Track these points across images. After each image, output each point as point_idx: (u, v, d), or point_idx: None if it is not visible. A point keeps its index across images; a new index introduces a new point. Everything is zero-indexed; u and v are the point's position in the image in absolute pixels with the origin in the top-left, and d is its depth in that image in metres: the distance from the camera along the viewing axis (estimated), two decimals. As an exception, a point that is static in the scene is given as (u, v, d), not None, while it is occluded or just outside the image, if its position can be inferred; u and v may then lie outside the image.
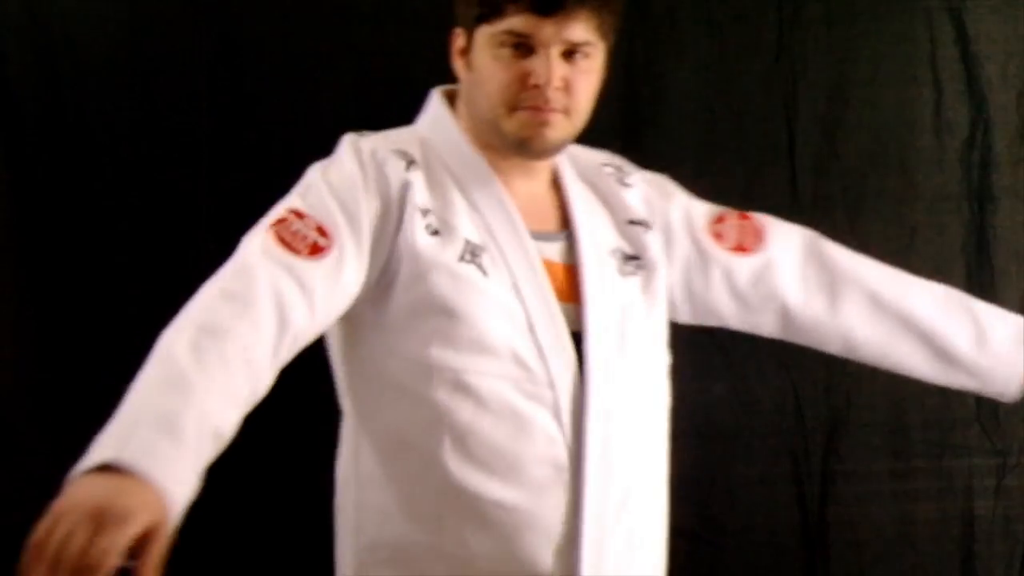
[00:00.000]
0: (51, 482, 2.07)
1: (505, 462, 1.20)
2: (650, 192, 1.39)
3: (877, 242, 2.08)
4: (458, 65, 1.29)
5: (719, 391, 2.08)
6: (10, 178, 1.95)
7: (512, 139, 1.26)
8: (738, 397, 2.08)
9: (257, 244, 1.15)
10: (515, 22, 1.23)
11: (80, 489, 0.94)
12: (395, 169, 1.23)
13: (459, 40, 1.29)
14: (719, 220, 1.41)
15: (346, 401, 1.29)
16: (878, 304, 1.44)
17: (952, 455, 2.09)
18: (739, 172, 2.08)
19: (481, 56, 1.25)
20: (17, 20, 1.96)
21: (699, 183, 1.46)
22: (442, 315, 1.20)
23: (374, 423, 1.25)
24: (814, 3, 2.08)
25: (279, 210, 1.19)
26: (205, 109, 1.92)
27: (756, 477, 2.08)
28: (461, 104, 1.31)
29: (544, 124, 1.26)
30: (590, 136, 2.10)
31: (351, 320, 1.23)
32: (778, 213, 2.05)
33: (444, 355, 1.20)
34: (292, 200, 1.20)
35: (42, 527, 0.89)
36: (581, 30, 1.23)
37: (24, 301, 1.96)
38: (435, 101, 1.34)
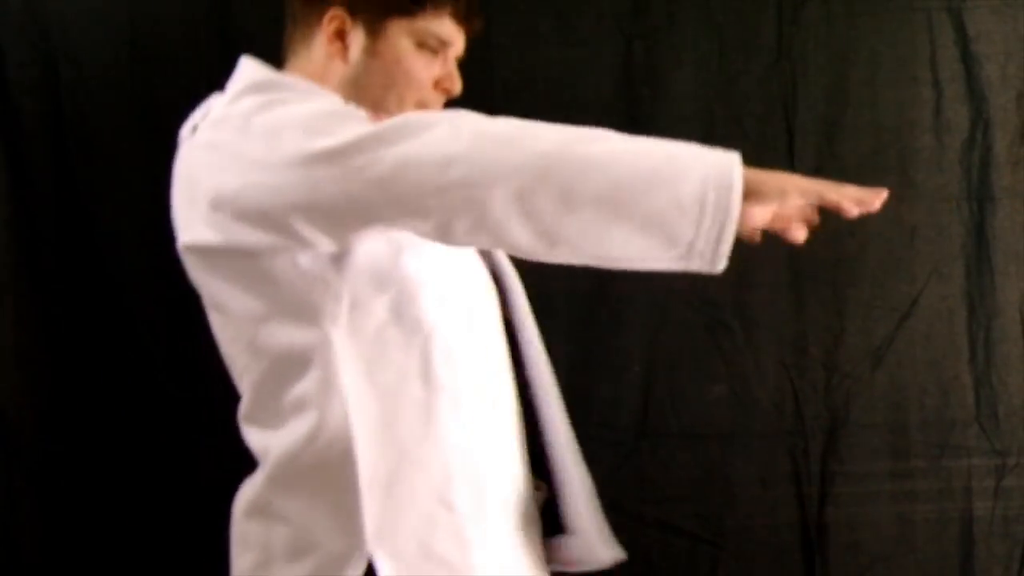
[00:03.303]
0: (51, 481, 2.08)
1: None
2: None
3: (877, 242, 2.08)
4: (336, 46, 1.26)
5: (719, 391, 2.09)
6: (10, 178, 1.95)
7: None
8: (738, 397, 2.08)
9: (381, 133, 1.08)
10: (444, 28, 1.27)
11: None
12: None
13: (340, 23, 1.26)
14: None
15: (364, 391, 1.21)
16: None
17: (951, 456, 2.09)
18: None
19: (395, 49, 1.26)
20: (17, 20, 1.96)
21: (698, 184, 1.45)
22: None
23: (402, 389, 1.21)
24: (814, 3, 2.08)
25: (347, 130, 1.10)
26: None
27: (756, 477, 2.08)
28: (332, 83, 1.27)
29: None
30: (590, 136, 2.12)
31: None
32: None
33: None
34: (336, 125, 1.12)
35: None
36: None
37: (24, 301, 1.96)
38: (265, 71, 1.28)
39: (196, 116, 1.27)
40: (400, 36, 1.26)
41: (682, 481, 2.08)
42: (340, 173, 1.08)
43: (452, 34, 1.29)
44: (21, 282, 1.96)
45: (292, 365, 1.18)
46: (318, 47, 1.28)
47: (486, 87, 2.02)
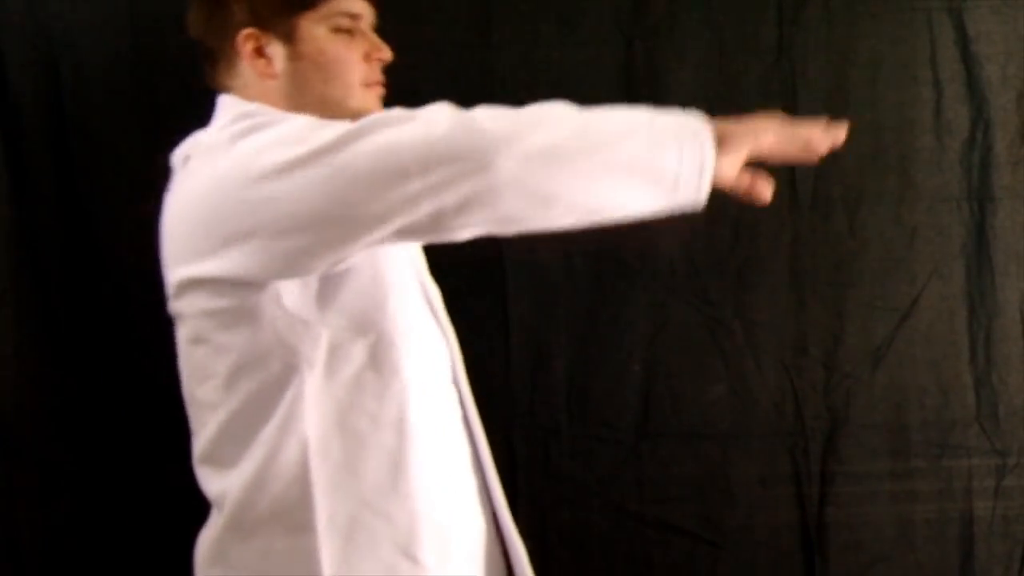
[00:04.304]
0: (51, 481, 2.08)
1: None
2: None
3: (877, 242, 2.08)
4: (260, 64, 1.27)
5: (719, 391, 2.09)
6: (10, 178, 1.95)
7: (359, 116, 1.24)
8: (737, 397, 2.08)
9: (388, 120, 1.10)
10: (347, 3, 1.28)
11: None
12: None
13: (256, 40, 1.27)
14: None
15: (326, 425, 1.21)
16: None
17: (951, 456, 2.09)
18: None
19: (314, 41, 1.26)
20: (17, 20, 1.96)
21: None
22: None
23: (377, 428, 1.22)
24: (814, 3, 2.08)
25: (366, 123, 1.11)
26: (206, 109, 1.92)
27: (755, 477, 2.08)
28: (274, 100, 1.28)
29: (381, 97, 1.31)
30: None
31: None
32: (778, 213, 2.06)
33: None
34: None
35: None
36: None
37: (24, 301, 1.96)
38: (245, 104, 1.28)
39: (186, 147, 1.27)
40: (312, 29, 1.27)
41: (682, 481, 2.08)
42: (326, 173, 1.07)
43: (358, 7, 1.30)
44: (21, 282, 1.96)
45: (262, 406, 1.18)
46: (245, 73, 1.28)
47: (486, 87, 2.02)
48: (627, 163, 1.07)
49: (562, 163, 1.06)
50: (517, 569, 1.35)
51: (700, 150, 1.08)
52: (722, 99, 2.07)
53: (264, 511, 1.18)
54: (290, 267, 1.12)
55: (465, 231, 1.13)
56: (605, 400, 2.07)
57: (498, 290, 2.03)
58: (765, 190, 1.18)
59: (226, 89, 1.31)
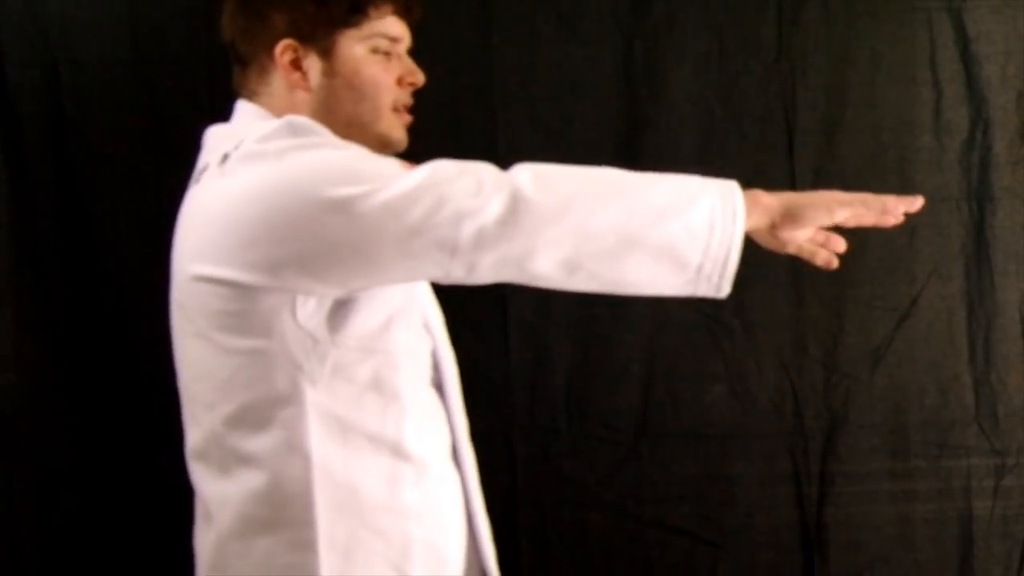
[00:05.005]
0: (51, 482, 2.08)
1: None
2: None
3: (877, 242, 2.09)
4: (295, 77, 1.27)
5: (718, 391, 2.09)
6: (10, 179, 1.95)
7: (383, 140, 1.29)
8: (737, 397, 2.08)
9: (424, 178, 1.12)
10: (388, 25, 1.29)
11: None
12: None
13: (293, 52, 1.27)
14: None
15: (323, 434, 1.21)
16: None
17: (951, 455, 2.10)
18: (739, 172, 2.06)
19: (352, 61, 1.27)
20: (17, 20, 1.96)
21: (698, 184, 1.45)
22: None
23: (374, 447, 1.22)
24: (814, 3, 2.08)
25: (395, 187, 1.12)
26: (205, 109, 1.92)
27: (755, 477, 2.08)
28: (301, 113, 1.28)
29: (407, 124, 1.32)
30: (590, 136, 2.12)
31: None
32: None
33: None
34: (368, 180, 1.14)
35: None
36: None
37: (25, 302, 1.96)
38: (266, 114, 1.29)
39: (219, 142, 1.27)
40: (351, 48, 1.27)
41: (682, 481, 2.08)
42: (378, 221, 1.10)
43: (398, 29, 1.31)
44: (22, 282, 1.96)
45: (259, 415, 1.18)
46: (277, 82, 1.28)
47: (486, 87, 2.02)
48: (656, 248, 1.12)
49: (593, 239, 1.11)
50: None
51: (728, 242, 1.15)
52: (722, 99, 2.08)
53: (267, 525, 1.18)
54: (313, 289, 1.14)
55: (491, 281, 1.18)
56: (605, 400, 2.07)
57: (498, 290, 2.03)
58: (836, 247, 1.27)
59: (253, 95, 1.31)
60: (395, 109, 1.30)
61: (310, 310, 1.15)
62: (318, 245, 1.11)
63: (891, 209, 1.22)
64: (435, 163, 1.14)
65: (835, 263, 1.25)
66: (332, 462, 1.17)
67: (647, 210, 1.12)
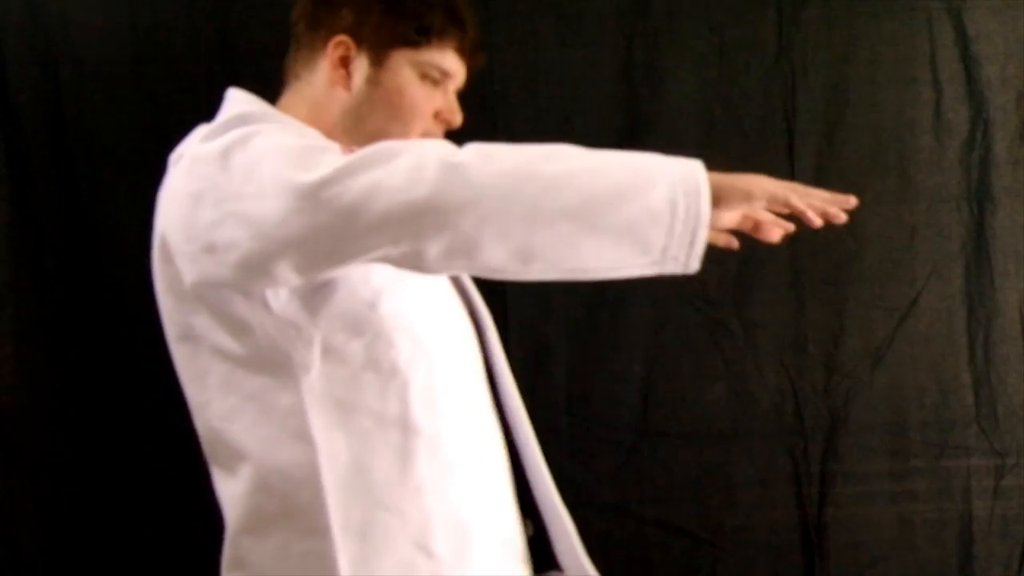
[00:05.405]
0: (51, 481, 2.08)
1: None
2: None
3: (877, 242, 2.09)
4: (339, 74, 1.26)
5: (719, 391, 2.09)
6: (11, 179, 1.95)
7: None
8: (737, 397, 2.08)
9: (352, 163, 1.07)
10: (447, 60, 1.28)
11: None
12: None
13: (346, 49, 1.26)
14: None
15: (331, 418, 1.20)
16: None
17: (951, 456, 2.10)
18: (739, 172, 2.08)
19: (399, 78, 1.26)
20: (17, 20, 1.96)
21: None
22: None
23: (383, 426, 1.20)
24: (814, 3, 2.08)
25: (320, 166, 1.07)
26: (205, 109, 1.92)
27: (755, 477, 2.08)
28: (317, 111, 1.28)
29: None
30: (590, 136, 2.11)
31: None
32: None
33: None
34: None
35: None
36: None
37: (25, 302, 1.96)
38: (264, 103, 1.28)
39: (184, 145, 1.26)
40: (403, 66, 1.26)
41: (682, 481, 2.08)
42: (311, 206, 1.06)
43: (455, 67, 1.29)
44: (22, 282, 1.96)
45: (257, 409, 1.17)
46: (321, 73, 1.28)
47: (486, 87, 2.02)
48: (615, 231, 1.04)
49: (546, 224, 1.04)
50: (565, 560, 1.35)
51: (693, 222, 1.04)
52: (722, 99, 2.08)
53: (276, 514, 1.18)
54: (263, 279, 1.12)
55: (448, 272, 1.13)
56: (605, 400, 2.07)
57: (498, 290, 2.03)
58: (772, 233, 1.16)
59: (295, 78, 1.31)
60: (423, 137, 1.28)
61: (283, 300, 1.14)
62: (260, 233, 1.08)
63: (809, 219, 1.13)
64: (376, 144, 1.10)
65: (735, 244, 1.16)
66: (337, 445, 1.16)
67: (603, 192, 1.04)
